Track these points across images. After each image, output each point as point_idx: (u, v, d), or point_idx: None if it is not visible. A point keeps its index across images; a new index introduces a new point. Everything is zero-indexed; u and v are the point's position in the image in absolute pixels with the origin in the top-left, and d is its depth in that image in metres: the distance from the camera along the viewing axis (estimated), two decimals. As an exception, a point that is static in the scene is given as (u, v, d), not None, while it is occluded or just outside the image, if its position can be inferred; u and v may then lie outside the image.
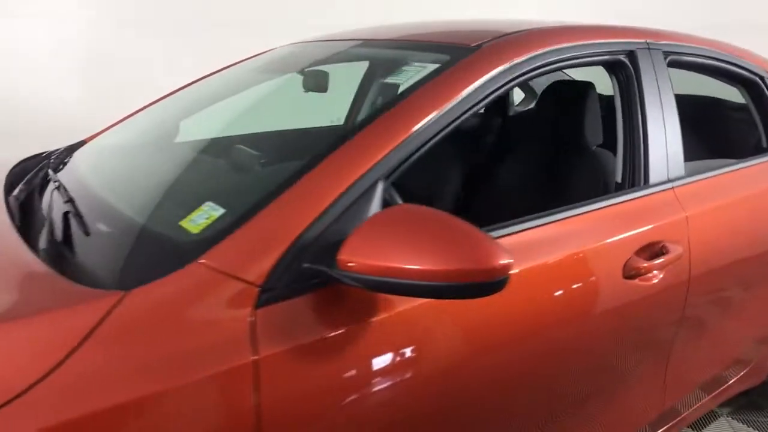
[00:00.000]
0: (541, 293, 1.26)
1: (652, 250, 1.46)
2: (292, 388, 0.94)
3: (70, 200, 1.24)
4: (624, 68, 1.63)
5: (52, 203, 1.34)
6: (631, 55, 1.63)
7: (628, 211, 1.48)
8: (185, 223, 1.11)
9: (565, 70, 1.88)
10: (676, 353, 1.63)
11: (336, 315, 0.99)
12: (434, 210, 0.97)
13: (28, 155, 1.73)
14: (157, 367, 0.86)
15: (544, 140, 1.92)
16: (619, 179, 1.57)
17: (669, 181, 1.59)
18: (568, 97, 1.83)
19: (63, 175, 1.49)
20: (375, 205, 1.05)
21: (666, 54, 1.71)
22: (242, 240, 0.99)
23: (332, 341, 0.98)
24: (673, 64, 1.74)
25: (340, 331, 0.98)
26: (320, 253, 0.98)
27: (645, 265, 1.42)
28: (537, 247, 1.27)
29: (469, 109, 1.24)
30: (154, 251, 1.09)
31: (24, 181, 1.50)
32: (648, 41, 1.68)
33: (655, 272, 1.44)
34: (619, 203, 1.48)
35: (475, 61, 1.32)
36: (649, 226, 1.48)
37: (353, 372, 1.00)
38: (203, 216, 1.12)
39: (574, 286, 1.31)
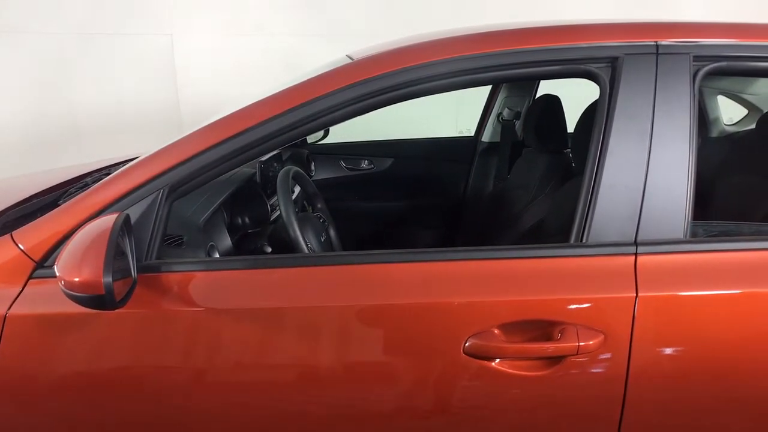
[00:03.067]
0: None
1: (544, 330, 1.11)
2: (26, 346, 1.15)
3: None
4: (599, 81, 1.20)
5: None
6: (614, 63, 1.18)
7: (522, 271, 1.15)
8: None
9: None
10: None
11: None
12: (98, 227, 1.05)
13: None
14: None
15: None
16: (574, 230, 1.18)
17: (632, 244, 1.15)
18: None
19: None
20: (150, 213, 1.16)
21: (699, 59, 1.19)
22: (40, 228, 1.21)
23: (69, 319, 1.13)
24: (718, 73, 1.21)
25: (77, 311, 1.09)
26: None
27: (502, 345, 1.10)
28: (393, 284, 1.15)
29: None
30: None
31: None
32: (658, 42, 1.19)
33: (527, 359, 1.11)
34: (515, 258, 1.17)
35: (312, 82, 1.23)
36: (542, 297, 1.12)
37: (76, 348, 1.15)
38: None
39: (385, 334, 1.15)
